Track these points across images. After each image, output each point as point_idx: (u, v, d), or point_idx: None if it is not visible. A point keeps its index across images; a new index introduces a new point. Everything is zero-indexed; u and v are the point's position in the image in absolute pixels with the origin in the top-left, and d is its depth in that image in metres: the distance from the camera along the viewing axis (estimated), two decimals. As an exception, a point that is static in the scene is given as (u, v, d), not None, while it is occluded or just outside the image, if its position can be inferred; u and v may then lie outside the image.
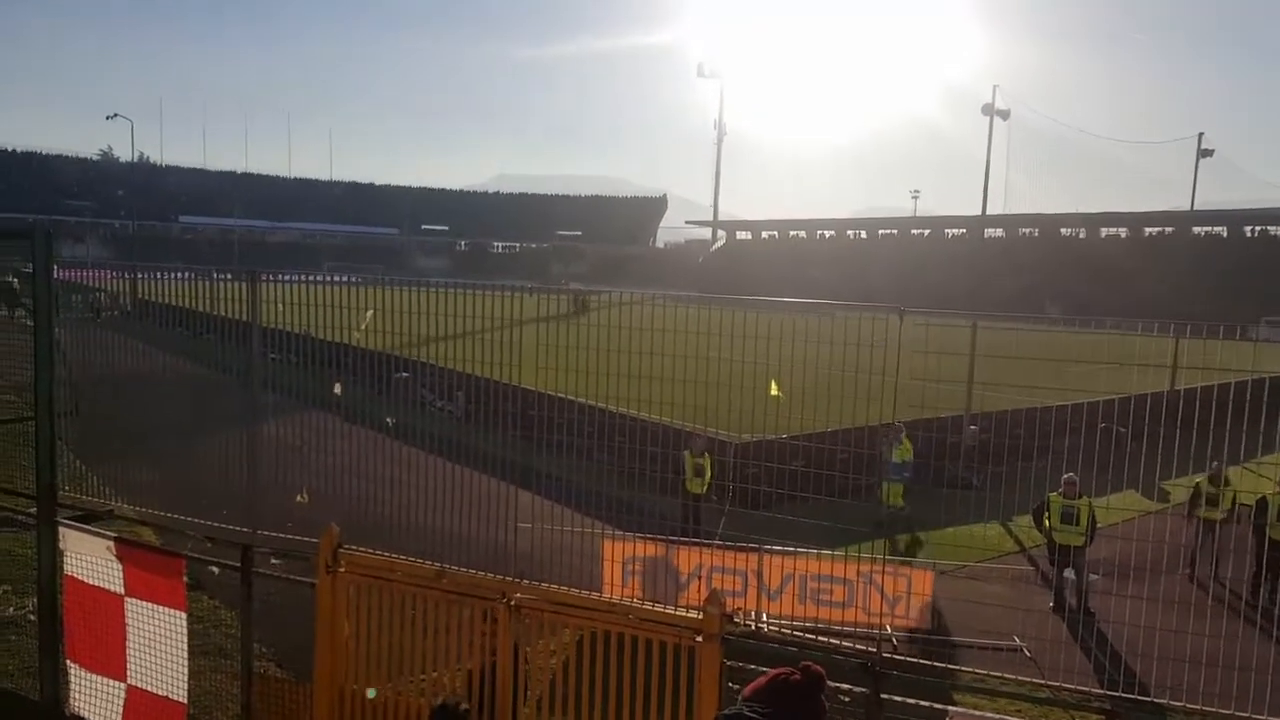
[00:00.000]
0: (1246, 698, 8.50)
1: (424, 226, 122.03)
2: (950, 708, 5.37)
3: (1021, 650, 10.12)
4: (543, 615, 5.02)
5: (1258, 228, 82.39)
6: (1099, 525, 11.69)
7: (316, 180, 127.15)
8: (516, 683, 5.03)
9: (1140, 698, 8.97)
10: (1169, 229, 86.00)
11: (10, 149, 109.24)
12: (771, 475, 11.44)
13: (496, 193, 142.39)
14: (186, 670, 5.83)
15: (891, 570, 10.34)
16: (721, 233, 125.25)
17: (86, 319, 14.13)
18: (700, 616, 4.69)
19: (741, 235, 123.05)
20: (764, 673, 3.33)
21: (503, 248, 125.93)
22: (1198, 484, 12.28)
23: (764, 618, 10.34)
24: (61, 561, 6.21)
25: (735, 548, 10.34)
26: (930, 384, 9.18)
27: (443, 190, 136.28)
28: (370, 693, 5.25)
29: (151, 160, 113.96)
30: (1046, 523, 11.78)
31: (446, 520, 10.69)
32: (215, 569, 6.29)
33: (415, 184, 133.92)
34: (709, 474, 13.12)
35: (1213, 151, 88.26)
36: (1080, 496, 11.56)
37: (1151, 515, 14.48)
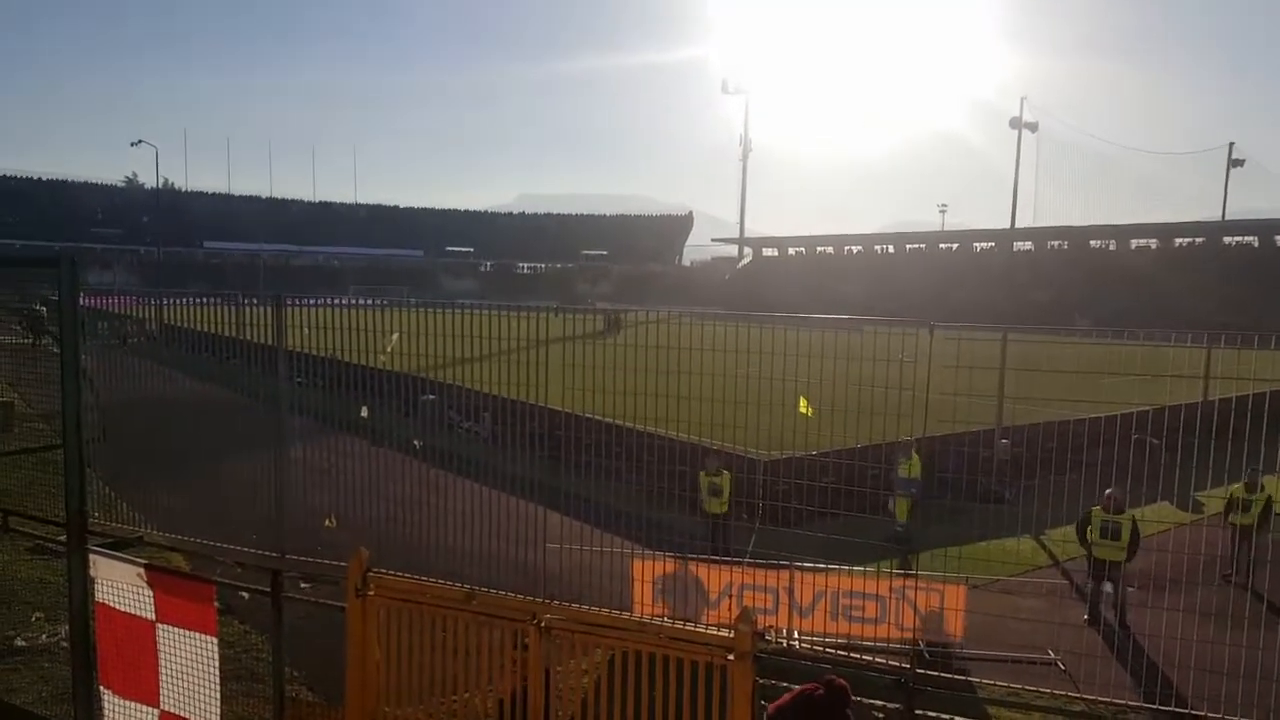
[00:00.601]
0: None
1: (448, 248, 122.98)
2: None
3: (1056, 663, 9.95)
4: (573, 636, 4.96)
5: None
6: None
7: (340, 204, 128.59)
8: (548, 706, 4.97)
9: (1178, 710, 8.79)
10: (1199, 239, 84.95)
11: (37, 177, 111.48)
12: (801, 492, 11.35)
13: (521, 213, 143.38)
14: (219, 695, 5.82)
15: (924, 585, 10.19)
16: (748, 250, 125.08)
17: (113, 345, 14.28)
18: (732, 635, 4.61)
19: (768, 252, 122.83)
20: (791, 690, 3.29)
21: (527, 268, 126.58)
22: (1233, 491, 12.09)
23: (796, 635, 10.22)
24: (92, 588, 6.23)
25: (766, 565, 10.25)
26: (961, 398, 9.07)
27: (466, 212, 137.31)
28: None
29: (176, 186, 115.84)
30: (1088, 536, 11.61)
31: (475, 542, 10.68)
32: (245, 594, 6.29)
33: (439, 206, 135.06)
34: (726, 493, 12.92)
35: (1244, 161, 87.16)
36: (1124, 511, 11.39)
37: (1187, 527, 14.19)
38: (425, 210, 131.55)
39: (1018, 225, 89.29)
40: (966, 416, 10.72)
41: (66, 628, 7.01)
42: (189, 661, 5.82)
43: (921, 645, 10.03)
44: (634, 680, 4.76)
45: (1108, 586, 11.41)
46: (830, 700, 3.31)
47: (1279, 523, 12.63)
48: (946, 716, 5.23)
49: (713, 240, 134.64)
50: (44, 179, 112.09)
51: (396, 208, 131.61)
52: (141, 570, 5.98)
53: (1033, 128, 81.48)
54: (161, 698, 5.98)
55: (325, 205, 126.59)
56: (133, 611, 6.02)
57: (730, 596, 10.25)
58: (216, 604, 5.89)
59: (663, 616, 9.99)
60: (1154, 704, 8.92)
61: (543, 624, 4.93)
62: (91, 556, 6.26)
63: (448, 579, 8.97)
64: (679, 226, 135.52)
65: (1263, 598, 12.16)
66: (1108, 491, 11.47)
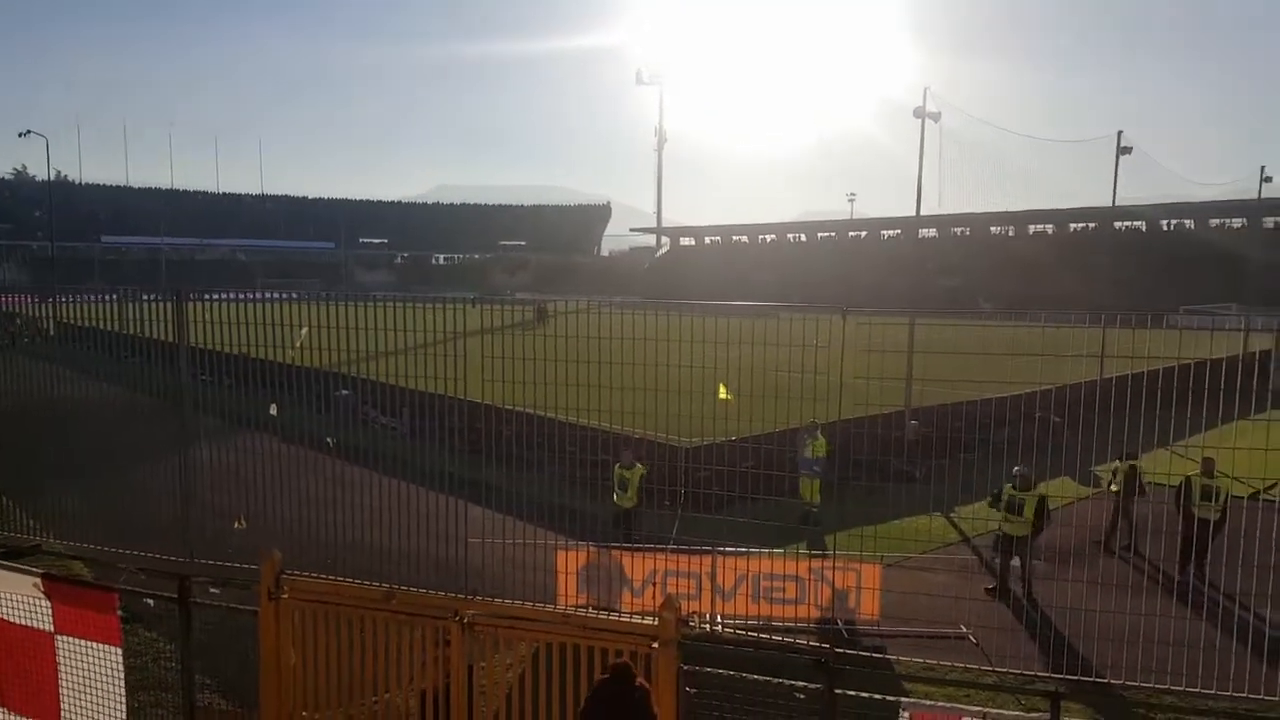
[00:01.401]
0: (1180, 673, 8.79)
1: (362, 240, 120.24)
2: (903, 699, 5.41)
3: (968, 638, 10.29)
4: (496, 631, 4.92)
5: (1174, 221, 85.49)
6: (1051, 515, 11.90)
7: (246, 195, 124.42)
8: (472, 702, 4.93)
9: (1082, 678, 9.21)
10: (1092, 225, 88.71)
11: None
12: (721, 477, 11.46)
13: (436, 203, 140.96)
14: (125, 707, 5.61)
15: (841, 565, 10.43)
16: (666, 239, 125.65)
17: (4, 346, 13.61)
18: (656, 623, 4.64)
19: (685, 241, 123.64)
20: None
21: (444, 259, 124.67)
22: (1189, 477, 12.51)
23: (719, 619, 10.34)
24: (-14, 601, 5.93)
25: (688, 551, 10.34)
26: (873, 381, 9.28)
27: (380, 202, 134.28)
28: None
29: (70, 179, 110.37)
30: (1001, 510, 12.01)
31: (395, 539, 10.51)
32: (151, 601, 6.07)
33: (351, 196, 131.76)
34: (634, 487, 12.61)
35: (1131, 149, 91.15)
36: (1030, 488, 11.77)
37: (1088, 501, 14.84)
38: (337, 201, 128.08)
39: (922, 213, 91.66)
40: (879, 399, 10.97)
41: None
42: (92, 674, 5.60)
43: (840, 624, 10.26)
44: (559, 672, 4.75)
45: (1015, 561, 11.81)
46: (617, 680, 3.49)
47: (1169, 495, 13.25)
48: (865, 694, 5.35)
49: (631, 230, 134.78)
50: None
51: (305, 199, 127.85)
52: (38, 580, 5.72)
53: (935, 118, 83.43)
54: (63, 713, 5.73)
55: (230, 196, 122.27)
56: (29, 624, 5.76)
57: (654, 584, 10.31)
58: (121, 613, 5.67)
59: (587, 607, 9.99)
60: (1061, 674, 9.30)
61: (465, 620, 4.87)
62: (-17, 568, 5.96)
63: (366, 578, 8.81)
64: (597, 216, 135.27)
65: (1159, 566, 12.77)
66: (1015, 469, 11.86)
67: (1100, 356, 17.31)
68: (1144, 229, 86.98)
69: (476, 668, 5.01)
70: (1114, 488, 13.84)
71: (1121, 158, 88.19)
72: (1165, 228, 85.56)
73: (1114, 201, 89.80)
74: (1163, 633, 9.01)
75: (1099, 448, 13.46)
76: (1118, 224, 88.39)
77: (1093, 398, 12.25)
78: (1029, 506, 11.59)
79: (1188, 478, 12.39)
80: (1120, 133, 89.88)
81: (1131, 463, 13.54)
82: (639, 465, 12.60)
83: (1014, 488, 11.76)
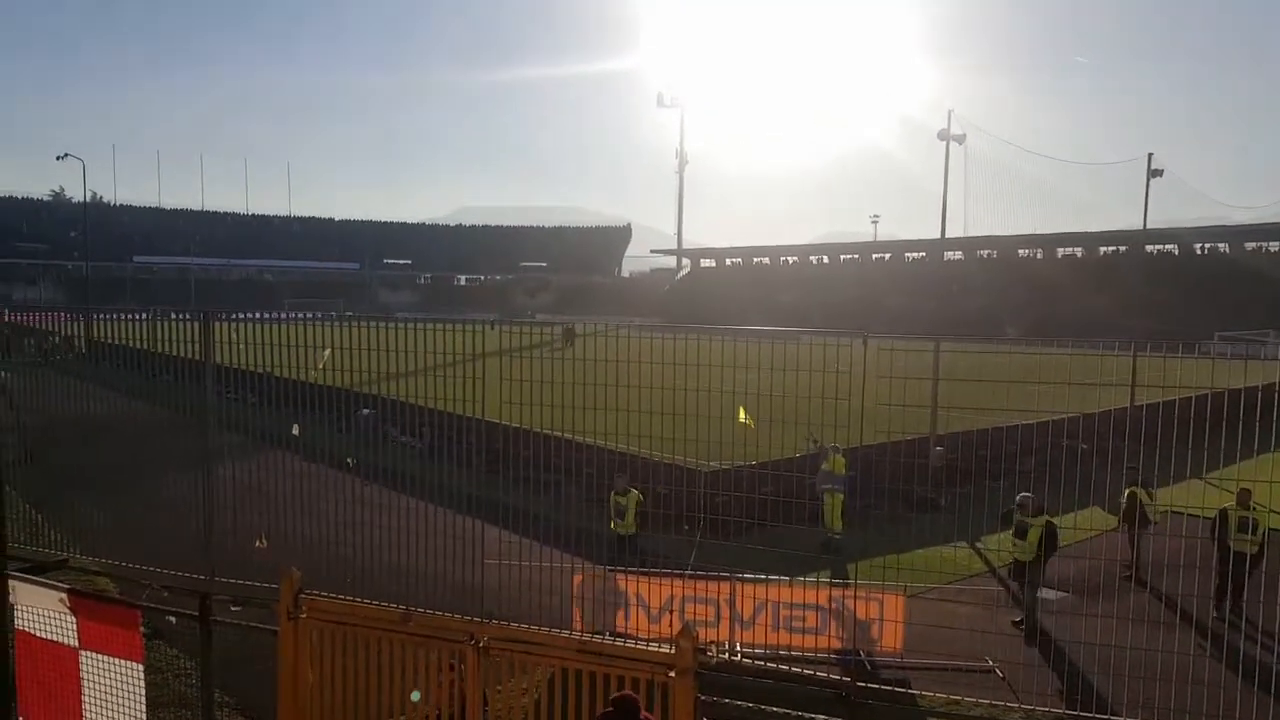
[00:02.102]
0: (1215, 715, 8.55)
1: (386, 261, 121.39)
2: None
3: (994, 672, 10.11)
4: (512, 656, 4.91)
5: (1208, 245, 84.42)
6: (1061, 543, 11.68)
7: (274, 216, 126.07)
8: (487, 727, 4.91)
9: (1111, 717, 8.99)
10: (1123, 248, 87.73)
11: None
12: (740, 503, 11.40)
13: (459, 225, 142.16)
14: (145, 724, 5.64)
15: (864, 595, 10.29)
16: (686, 261, 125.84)
17: (38, 363, 13.84)
18: (673, 651, 4.61)
19: (706, 263, 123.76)
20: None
21: (466, 280, 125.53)
22: (1225, 509, 12.25)
23: (738, 648, 10.24)
24: (12, 615, 5.99)
25: (707, 577, 10.26)
26: (895, 407, 9.22)
27: (404, 224, 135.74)
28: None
29: (105, 200, 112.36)
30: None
31: (412, 559, 10.52)
32: (173, 618, 6.11)
33: (376, 218, 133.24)
34: (631, 514, 12.40)
35: (1162, 171, 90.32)
36: (1039, 514, 11.55)
37: (1118, 532, 14.60)
38: (361, 222, 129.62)
39: (948, 235, 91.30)
40: (901, 425, 10.88)
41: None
42: (114, 689, 5.64)
43: (862, 656, 10.12)
44: (574, 699, 4.73)
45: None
46: (621, 714, 3.48)
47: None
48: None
49: (652, 251, 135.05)
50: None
51: (331, 220, 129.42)
52: (64, 595, 5.78)
53: (960, 140, 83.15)
54: (84, 729, 5.77)
55: (258, 218, 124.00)
56: (55, 639, 5.81)
57: (671, 611, 10.23)
58: (143, 629, 5.72)
59: (603, 633, 9.94)
60: (1090, 712, 9.11)
61: (481, 644, 4.87)
62: (11, 582, 6.03)
63: (383, 599, 8.82)
64: (618, 238, 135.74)
65: (1191, 601, 12.50)
66: (1019, 495, 11.74)
67: (1131, 385, 17.11)
68: (1177, 252, 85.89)
69: (491, 692, 5.00)
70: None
71: (1153, 180, 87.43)
72: (1199, 251, 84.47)
73: (1145, 224, 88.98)
74: (1196, 671, 8.79)
75: (1129, 477, 13.23)
76: (1149, 247, 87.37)
77: (1123, 426, 12.09)
78: (1034, 532, 11.41)
79: (1224, 509, 12.05)
80: (1151, 155, 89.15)
81: (1131, 489, 13.34)
82: (634, 491, 12.37)
83: (1020, 514, 11.57)
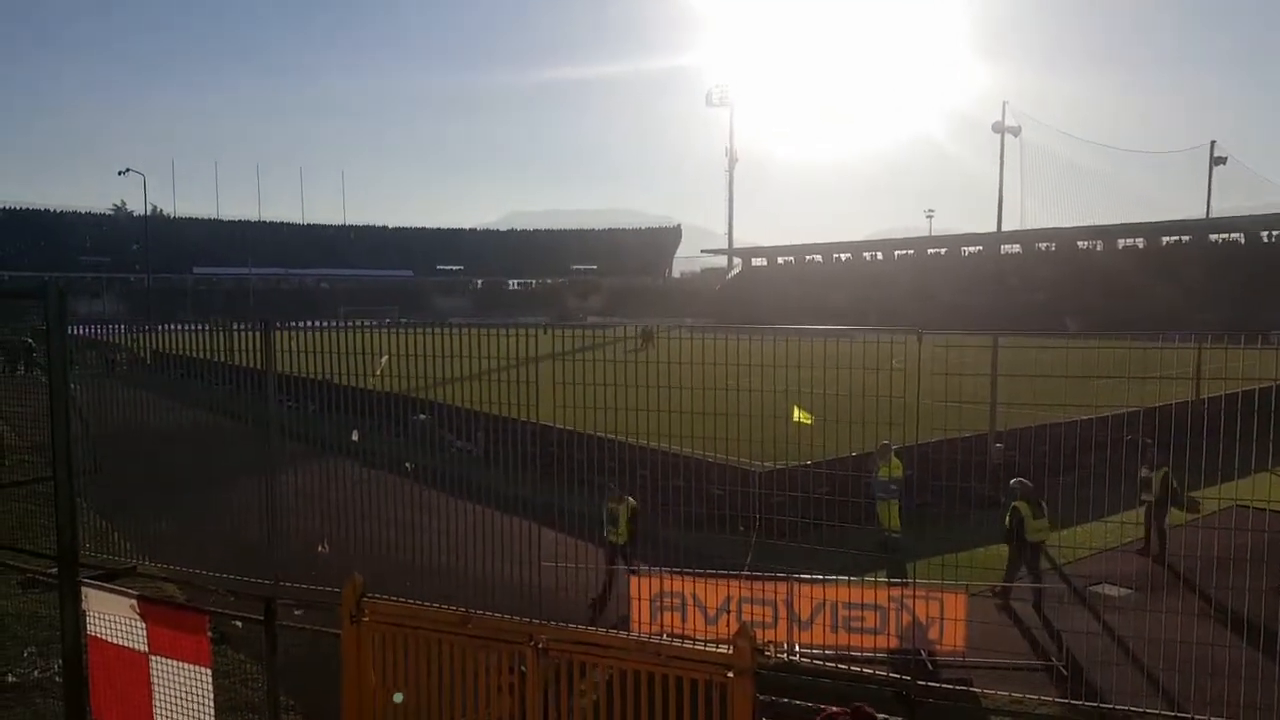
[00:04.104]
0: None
1: (439, 267, 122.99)
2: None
3: (1058, 669, 9.91)
4: (571, 657, 4.92)
5: (1275, 232, 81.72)
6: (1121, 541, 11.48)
7: (329, 225, 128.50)
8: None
9: (1180, 715, 8.76)
10: (1185, 238, 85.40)
11: (25, 207, 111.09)
12: (796, 503, 11.31)
13: (510, 230, 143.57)
14: (213, 727, 5.75)
15: (924, 594, 10.15)
16: (737, 260, 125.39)
17: (101, 374, 14.23)
18: (730, 651, 4.58)
19: (757, 262, 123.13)
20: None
21: (518, 284, 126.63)
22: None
23: (796, 649, 10.17)
24: (84, 622, 6.17)
25: (764, 578, 10.20)
26: (953, 404, 9.08)
27: (456, 230, 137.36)
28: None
29: (165, 213, 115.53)
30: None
31: (470, 562, 10.63)
32: (239, 623, 6.24)
33: (428, 225, 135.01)
34: (623, 522, 11.95)
35: (1226, 159, 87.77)
36: (1031, 499, 12.08)
37: (1183, 528, 14.19)
38: (414, 230, 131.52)
39: (1004, 229, 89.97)
40: (958, 423, 10.72)
41: (59, 662, 6.93)
42: (183, 694, 5.76)
43: (923, 655, 9.99)
44: (633, 700, 4.73)
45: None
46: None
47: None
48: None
49: (702, 251, 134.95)
50: (32, 209, 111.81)
51: (385, 228, 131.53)
52: (134, 602, 5.92)
53: (1015, 132, 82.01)
54: (156, 732, 5.90)
55: (314, 227, 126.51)
56: (126, 644, 5.96)
57: (729, 612, 10.20)
58: (210, 634, 5.83)
59: (662, 634, 9.93)
60: (1156, 709, 8.89)
61: (540, 645, 4.89)
62: (84, 589, 6.20)
63: (443, 602, 8.92)
64: (668, 239, 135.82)
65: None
66: (1013, 481, 12.40)
67: (1194, 378, 16.63)
68: (1242, 241, 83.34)
69: (551, 693, 5.02)
70: (1145, 497, 13.89)
71: (1216, 169, 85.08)
72: (1266, 239, 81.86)
73: (1208, 213, 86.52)
74: (1266, 666, 8.54)
75: (1191, 471, 12.89)
76: (1213, 236, 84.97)
77: (1185, 420, 11.77)
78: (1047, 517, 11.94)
79: None
80: (1214, 143, 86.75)
81: (1164, 470, 13.42)
82: (629, 499, 12.04)
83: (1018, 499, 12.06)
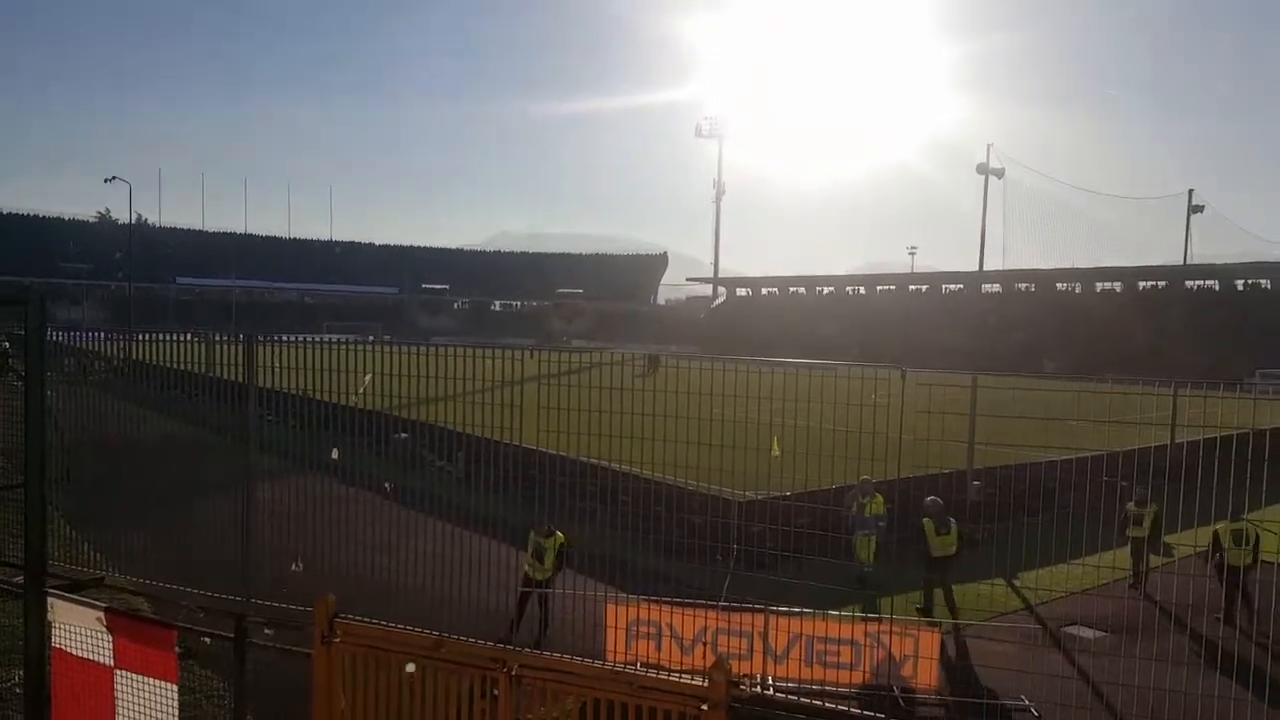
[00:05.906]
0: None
1: (424, 285, 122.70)
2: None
3: (1029, 710, 9.89)
4: (544, 684, 4.87)
5: (1249, 281, 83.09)
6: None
7: (315, 240, 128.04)
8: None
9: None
10: (1163, 283, 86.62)
11: (7, 212, 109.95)
12: (775, 535, 11.30)
13: (497, 251, 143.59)
14: (177, 745, 5.64)
15: (899, 630, 10.14)
16: (722, 289, 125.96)
17: (77, 381, 14.06)
18: (706, 684, 4.55)
19: (742, 292, 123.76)
20: None
21: (502, 305, 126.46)
22: (1216, 530, 12.47)
23: (770, 682, 10.11)
24: (50, 633, 6.05)
25: (741, 609, 10.15)
26: (933, 442, 9.12)
27: (442, 249, 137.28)
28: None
29: (150, 222, 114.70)
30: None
31: (446, 585, 10.52)
32: (208, 639, 6.14)
33: (414, 243, 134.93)
34: (550, 558, 11.44)
35: (1203, 207, 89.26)
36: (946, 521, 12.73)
37: (1157, 571, 14.27)
38: (400, 247, 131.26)
39: (986, 268, 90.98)
40: (939, 460, 10.75)
41: (20, 673, 6.79)
42: (148, 709, 5.65)
43: (896, 692, 9.96)
44: (606, 730, 4.68)
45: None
46: None
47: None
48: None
49: (687, 280, 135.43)
50: (14, 214, 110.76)
51: (371, 244, 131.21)
52: (102, 614, 5.81)
53: (999, 173, 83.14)
54: (118, 748, 5.78)
55: (299, 241, 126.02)
56: (91, 657, 5.85)
57: (704, 643, 10.13)
58: (178, 649, 5.73)
59: (637, 663, 9.85)
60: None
61: (513, 672, 4.84)
62: (50, 600, 6.09)
63: (417, 624, 8.82)
64: (654, 266, 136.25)
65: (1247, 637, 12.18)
66: (928, 499, 12.90)
67: (1171, 424, 16.80)
68: (1218, 288, 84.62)
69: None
70: (1130, 533, 14.23)
71: (1194, 216, 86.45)
72: (1240, 287, 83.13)
73: (1186, 259, 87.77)
74: (1238, 715, 8.56)
75: (1168, 516, 13.00)
76: (1190, 283, 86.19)
77: (1163, 464, 11.91)
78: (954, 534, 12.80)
79: (1215, 530, 12.49)
80: (1191, 191, 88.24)
81: (1155, 509, 13.74)
82: (558, 534, 11.63)
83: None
